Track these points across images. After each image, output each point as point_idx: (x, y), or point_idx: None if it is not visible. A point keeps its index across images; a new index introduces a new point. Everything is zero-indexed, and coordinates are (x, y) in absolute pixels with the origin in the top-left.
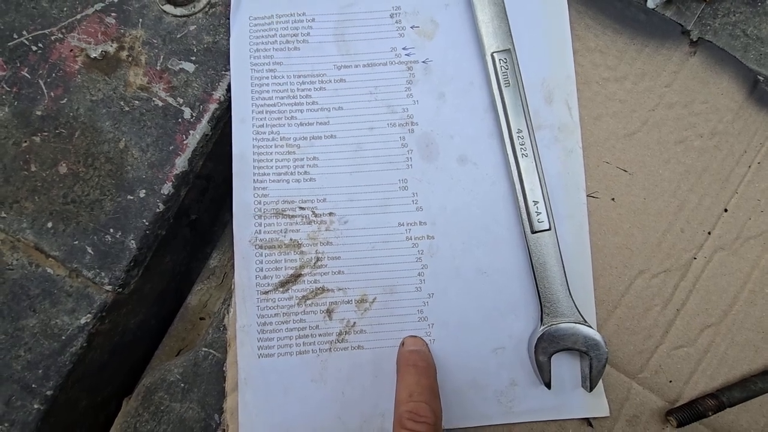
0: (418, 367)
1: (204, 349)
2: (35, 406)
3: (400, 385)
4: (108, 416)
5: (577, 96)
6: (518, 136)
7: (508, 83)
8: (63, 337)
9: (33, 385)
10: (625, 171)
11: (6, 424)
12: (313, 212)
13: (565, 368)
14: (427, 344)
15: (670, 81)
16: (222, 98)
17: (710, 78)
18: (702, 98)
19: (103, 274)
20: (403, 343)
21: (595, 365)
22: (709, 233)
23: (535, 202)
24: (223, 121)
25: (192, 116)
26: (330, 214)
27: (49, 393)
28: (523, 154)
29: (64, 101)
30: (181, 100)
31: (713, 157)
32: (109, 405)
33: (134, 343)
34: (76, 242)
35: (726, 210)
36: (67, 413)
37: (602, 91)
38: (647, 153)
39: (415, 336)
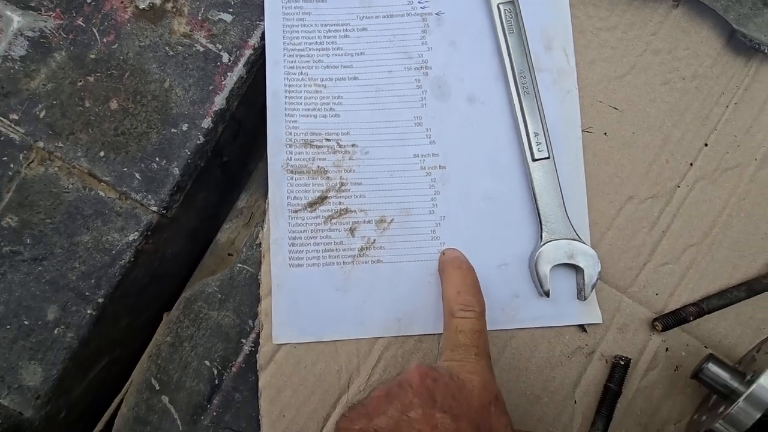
0: (462, 269)
1: (239, 265)
2: (88, 312)
3: (447, 285)
4: (143, 341)
5: (573, 43)
6: (521, 77)
7: (512, 31)
8: (113, 252)
9: (86, 293)
10: (616, 109)
11: (62, 327)
12: (338, 143)
13: (562, 282)
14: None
15: (656, 30)
16: (256, 45)
17: (691, 28)
18: (684, 45)
19: (149, 196)
20: (443, 253)
21: (588, 277)
22: (691, 164)
23: (536, 134)
24: (256, 67)
25: (229, 60)
26: (353, 145)
27: (100, 300)
28: (525, 92)
29: (116, 46)
30: (220, 46)
31: (694, 98)
32: (144, 331)
33: (169, 274)
34: (126, 169)
35: (706, 144)
36: (112, 326)
37: (595, 39)
38: (636, 93)
39: (453, 248)
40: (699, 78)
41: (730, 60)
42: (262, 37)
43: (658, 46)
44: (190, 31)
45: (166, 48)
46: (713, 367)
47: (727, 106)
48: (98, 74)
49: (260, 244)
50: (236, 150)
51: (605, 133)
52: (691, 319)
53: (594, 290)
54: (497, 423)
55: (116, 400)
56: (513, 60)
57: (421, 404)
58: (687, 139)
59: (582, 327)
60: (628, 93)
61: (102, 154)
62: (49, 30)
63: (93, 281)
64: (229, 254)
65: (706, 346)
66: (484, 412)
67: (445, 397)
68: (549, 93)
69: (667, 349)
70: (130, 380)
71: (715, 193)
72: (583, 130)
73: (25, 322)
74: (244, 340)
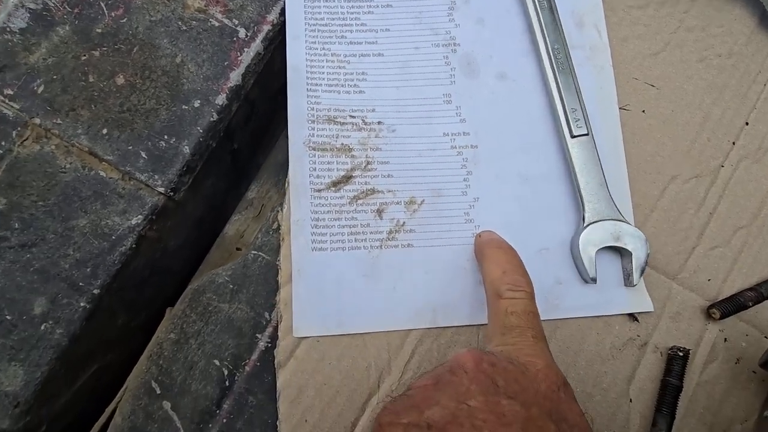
0: (504, 248)
1: (253, 252)
2: (81, 304)
3: (490, 265)
4: (139, 346)
5: (605, 21)
6: (555, 52)
7: (544, 6)
8: (113, 237)
9: (80, 283)
10: (653, 86)
11: (51, 322)
12: (363, 120)
13: (608, 268)
14: None
15: (688, 8)
16: (275, 21)
17: (723, 6)
18: (717, 23)
19: (156, 176)
20: (479, 235)
21: (637, 260)
22: (734, 143)
23: (573, 110)
24: (274, 44)
25: (246, 35)
26: (379, 122)
27: (95, 291)
28: (560, 68)
29: (124, 20)
30: (237, 21)
31: (731, 75)
32: (142, 334)
33: (171, 269)
34: (131, 147)
35: (747, 123)
36: (107, 324)
37: (627, 17)
38: (672, 70)
39: (489, 230)
40: (735, 56)
41: (764, 38)
42: (282, 14)
43: (691, 24)
44: (205, 6)
45: (179, 23)
46: None
47: (765, 85)
48: (104, 48)
49: (278, 228)
50: (247, 138)
51: (643, 111)
52: (750, 304)
53: (642, 276)
54: (569, 411)
55: (109, 408)
56: (546, 35)
57: (482, 391)
58: (727, 118)
59: (632, 316)
60: (664, 70)
61: (105, 131)
62: (53, 3)
63: (88, 270)
64: (238, 248)
65: (766, 336)
66: (554, 398)
67: (508, 382)
68: (583, 70)
69: (725, 339)
70: (125, 386)
71: (760, 173)
72: (620, 108)
73: (7, 317)
74: (259, 335)
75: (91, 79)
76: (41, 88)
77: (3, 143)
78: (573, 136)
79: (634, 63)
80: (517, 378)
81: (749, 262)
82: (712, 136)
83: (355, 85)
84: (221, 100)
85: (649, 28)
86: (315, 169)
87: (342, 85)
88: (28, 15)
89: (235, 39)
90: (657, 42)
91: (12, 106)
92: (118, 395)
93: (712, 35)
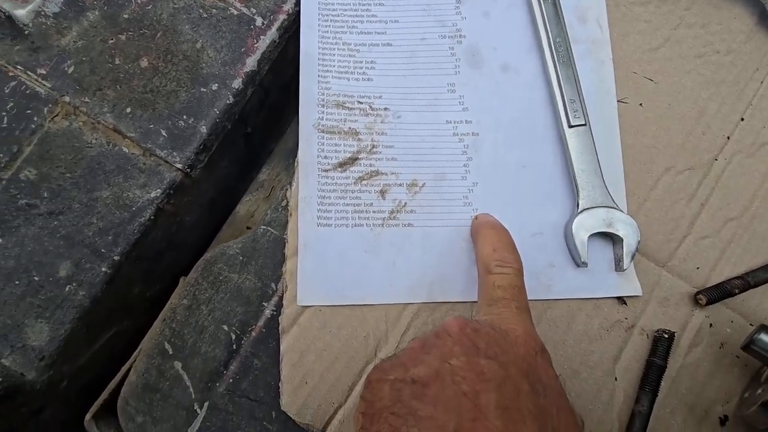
0: (497, 228)
1: (263, 227)
2: (102, 270)
3: (482, 243)
4: (153, 315)
5: (607, 16)
6: (557, 45)
7: (548, 1)
8: (133, 208)
9: (102, 250)
10: (651, 80)
11: (74, 284)
12: (370, 106)
13: (599, 253)
14: None
15: (689, 5)
16: (290, 11)
17: (723, 4)
18: (717, 20)
19: (174, 153)
20: (476, 217)
21: (627, 246)
22: (728, 138)
23: (572, 101)
24: (289, 33)
25: (263, 24)
26: (385, 109)
27: (116, 258)
28: (561, 60)
29: (149, 7)
30: (254, 10)
31: (729, 72)
32: (155, 304)
33: (186, 243)
34: (152, 126)
35: (742, 119)
36: (124, 291)
37: (629, 13)
38: (670, 65)
39: (486, 213)
40: (733, 53)
41: (763, 37)
42: (297, 4)
43: (691, 21)
44: None
45: (200, 10)
46: (766, 338)
47: (761, 82)
48: (130, 33)
49: (286, 205)
50: (259, 123)
51: (641, 104)
52: (737, 292)
53: (632, 262)
54: (545, 374)
55: (125, 367)
56: (548, 28)
57: (464, 352)
58: (723, 112)
59: (621, 300)
60: (662, 65)
61: (129, 110)
62: None
63: (110, 238)
64: (248, 227)
65: (751, 324)
66: (531, 361)
67: (489, 345)
68: (584, 63)
69: (711, 325)
70: (140, 347)
71: (753, 167)
72: (618, 101)
73: (35, 278)
74: (265, 304)
75: (117, 62)
76: (71, 69)
77: (35, 119)
78: (570, 126)
79: (634, 57)
80: (497, 341)
81: (738, 252)
82: (707, 130)
83: (363, 72)
84: (237, 84)
85: (650, 24)
86: (323, 150)
87: (351, 73)
88: (62, 0)
89: (252, 27)
90: (657, 38)
91: (44, 85)
92: (134, 355)
93: (712, 32)
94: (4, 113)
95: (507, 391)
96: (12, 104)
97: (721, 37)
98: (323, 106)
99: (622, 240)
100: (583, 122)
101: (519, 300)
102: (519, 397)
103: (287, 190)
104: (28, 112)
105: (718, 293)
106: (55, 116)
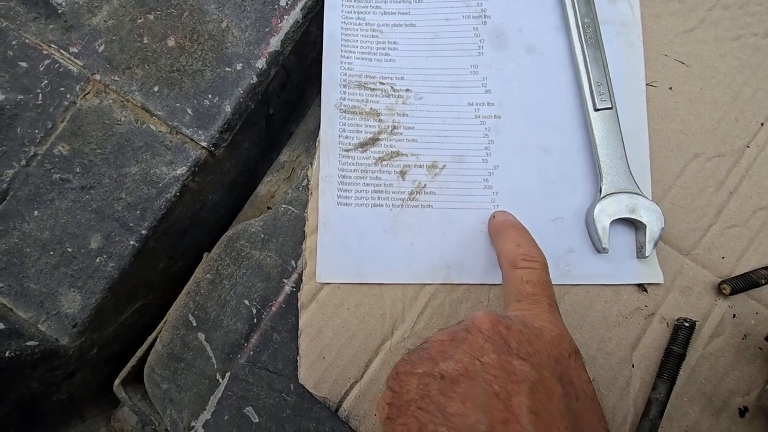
0: (518, 227)
1: (283, 206)
2: (131, 243)
3: (505, 241)
4: (175, 292)
5: None
6: (585, 26)
7: None
8: (160, 185)
9: (131, 224)
10: (683, 63)
11: (104, 256)
12: (392, 87)
13: (620, 239)
14: None
15: None
16: None
17: None
18: (757, 1)
19: (200, 132)
20: (494, 216)
21: (651, 232)
22: (762, 124)
23: (599, 83)
24: (312, 14)
25: (287, 4)
26: (407, 90)
27: (143, 232)
28: (589, 41)
29: None
30: None
31: (766, 55)
32: (179, 281)
33: (208, 222)
34: (178, 104)
35: None
36: (150, 265)
37: None
38: (704, 48)
39: (504, 211)
40: None
41: None
42: None
43: (729, 1)
44: None
45: None
46: None
47: None
48: (158, 12)
49: (307, 184)
50: (281, 105)
51: (670, 88)
52: (763, 282)
53: (655, 249)
54: (577, 377)
55: (151, 337)
56: (577, 8)
57: (495, 350)
58: (758, 98)
59: (641, 287)
60: (695, 47)
61: (156, 89)
62: None
63: (138, 212)
64: (268, 207)
65: None
66: (564, 363)
67: (521, 344)
68: (612, 45)
69: (734, 315)
70: (165, 319)
71: None
72: (647, 84)
73: (69, 249)
74: (285, 280)
75: (145, 41)
76: (102, 47)
77: (68, 96)
78: (596, 109)
79: (666, 39)
80: (530, 341)
81: (767, 242)
82: (740, 116)
83: (386, 53)
84: (261, 63)
85: (684, 4)
86: (344, 131)
87: (374, 53)
88: None
89: (276, 7)
90: (691, 19)
91: (76, 63)
92: (159, 326)
93: (750, 14)
94: (39, 90)
95: (540, 395)
96: (46, 81)
97: (760, 18)
98: (345, 86)
99: (645, 227)
100: (610, 105)
101: (550, 296)
102: (552, 402)
103: (308, 169)
104: (62, 89)
105: (743, 283)
106: (86, 94)
